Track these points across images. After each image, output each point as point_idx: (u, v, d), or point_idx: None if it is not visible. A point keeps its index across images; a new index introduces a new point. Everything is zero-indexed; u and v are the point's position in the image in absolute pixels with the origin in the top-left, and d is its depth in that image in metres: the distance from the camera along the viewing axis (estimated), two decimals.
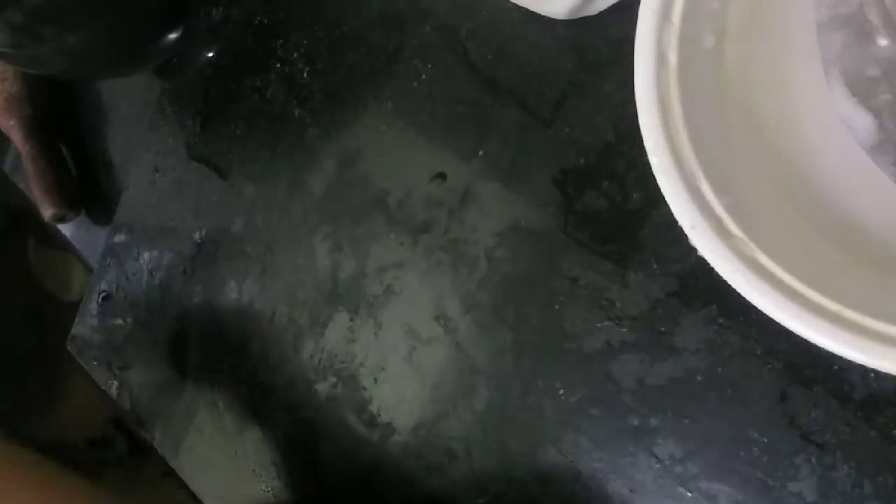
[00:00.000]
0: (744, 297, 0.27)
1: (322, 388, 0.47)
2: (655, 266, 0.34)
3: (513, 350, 0.39)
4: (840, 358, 0.25)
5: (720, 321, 0.32)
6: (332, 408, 0.46)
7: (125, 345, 0.61)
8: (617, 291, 0.35)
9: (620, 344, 0.35)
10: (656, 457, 0.34)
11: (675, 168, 0.29)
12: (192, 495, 0.54)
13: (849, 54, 0.27)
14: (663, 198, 0.29)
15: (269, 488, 0.50)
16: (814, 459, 0.30)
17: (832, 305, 0.26)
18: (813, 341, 0.26)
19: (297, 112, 0.50)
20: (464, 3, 0.42)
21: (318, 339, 0.47)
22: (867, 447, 0.29)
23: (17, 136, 0.69)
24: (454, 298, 0.41)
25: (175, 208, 0.58)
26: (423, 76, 0.44)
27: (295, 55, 0.51)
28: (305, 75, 0.50)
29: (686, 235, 0.29)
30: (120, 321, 0.62)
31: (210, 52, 0.57)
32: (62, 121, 0.71)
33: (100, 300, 0.63)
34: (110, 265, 0.63)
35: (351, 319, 0.45)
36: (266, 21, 0.53)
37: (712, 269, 0.28)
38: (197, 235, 0.56)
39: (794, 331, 0.26)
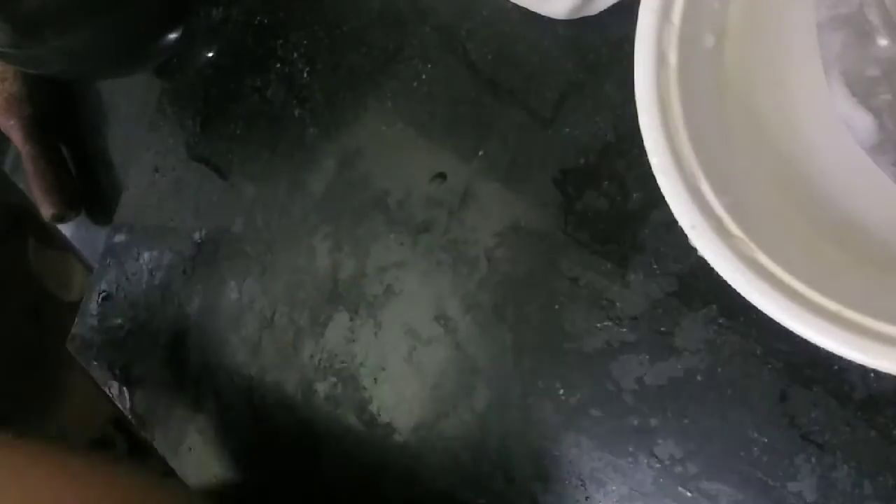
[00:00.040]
0: (744, 297, 0.27)
1: (322, 388, 0.47)
2: (655, 266, 0.34)
3: (513, 350, 0.39)
4: (840, 358, 0.25)
5: (720, 321, 0.32)
6: (332, 408, 0.46)
7: (125, 345, 0.61)
8: (617, 291, 0.35)
9: (620, 344, 0.35)
10: (656, 457, 0.34)
11: (675, 168, 0.29)
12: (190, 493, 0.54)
13: (849, 54, 0.27)
14: (663, 198, 0.29)
15: (270, 488, 0.50)
16: (814, 459, 0.30)
17: (832, 305, 0.26)
18: (813, 341, 0.26)
19: (297, 112, 0.50)
20: (464, 3, 0.42)
21: (318, 339, 0.47)
22: (867, 447, 0.29)
23: (17, 136, 0.69)
24: (454, 298, 0.41)
25: (175, 208, 0.58)
26: (423, 76, 0.44)
27: (295, 55, 0.51)
28: (305, 75, 0.50)
29: (686, 235, 0.29)
30: (120, 321, 0.62)
31: (210, 52, 0.57)
32: (62, 121, 0.71)
33: (100, 300, 0.63)
34: (110, 265, 0.63)
35: (351, 319, 0.45)
36: (266, 21, 0.53)
37: (712, 269, 0.28)
38: (197, 235, 0.56)
39: (794, 331, 0.26)
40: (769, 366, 0.31)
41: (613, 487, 0.35)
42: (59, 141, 0.71)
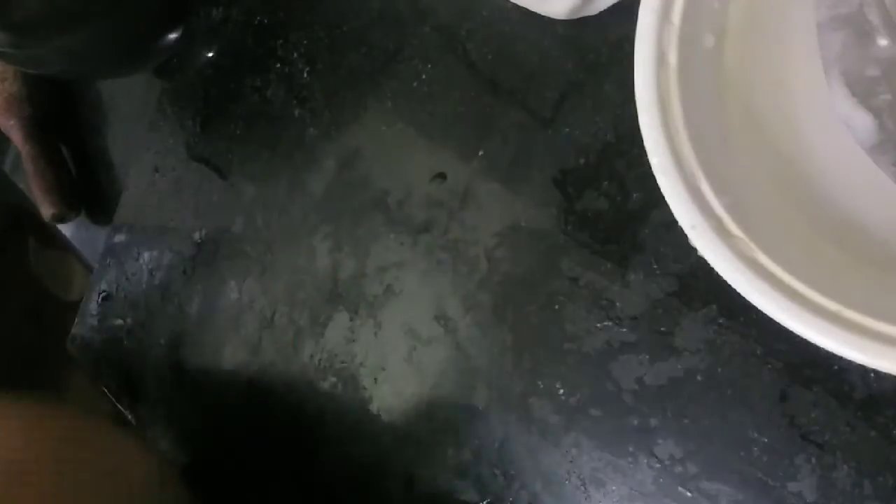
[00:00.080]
0: (744, 297, 0.27)
1: (322, 388, 0.47)
2: (655, 266, 0.34)
3: (513, 350, 0.39)
4: (840, 358, 0.25)
5: (720, 321, 0.32)
6: (332, 408, 0.46)
7: (125, 345, 0.61)
8: (617, 291, 0.35)
9: (620, 344, 0.35)
10: (656, 457, 0.34)
11: (675, 168, 0.29)
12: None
13: (849, 54, 0.27)
14: (663, 198, 0.29)
15: (270, 488, 0.50)
16: (814, 459, 0.30)
17: (832, 305, 0.26)
18: (813, 341, 0.26)
19: (297, 112, 0.50)
20: (464, 3, 0.42)
21: (318, 339, 0.47)
22: (867, 447, 0.29)
23: (17, 136, 0.69)
24: (454, 298, 0.41)
25: (175, 208, 0.58)
26: (423, 76, 0.44)
27: (295, 55, 0.51)
28: (305, 75, 0.50)
29: (686, 235, 0.29)
30: (120, 321, 0.62)
31: (210, 52, 0.57)
32: (62, 121, 0.71)
33: (100, 300, 0.63)
34: (110, 265, 0.63)
35: (351, 319, 0.45)
36: (266, 21, 0.53)
37: (712, 269, 0.28)
38: (197, 235, 0.56)
39: (794, 331, 0.26)
40: (769, 366, 0.31)
41: (613, 487, 0.35)
42: (59, 141, 0.71)
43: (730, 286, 0.28)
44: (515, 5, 0.39)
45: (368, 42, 0.46)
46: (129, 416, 0.61)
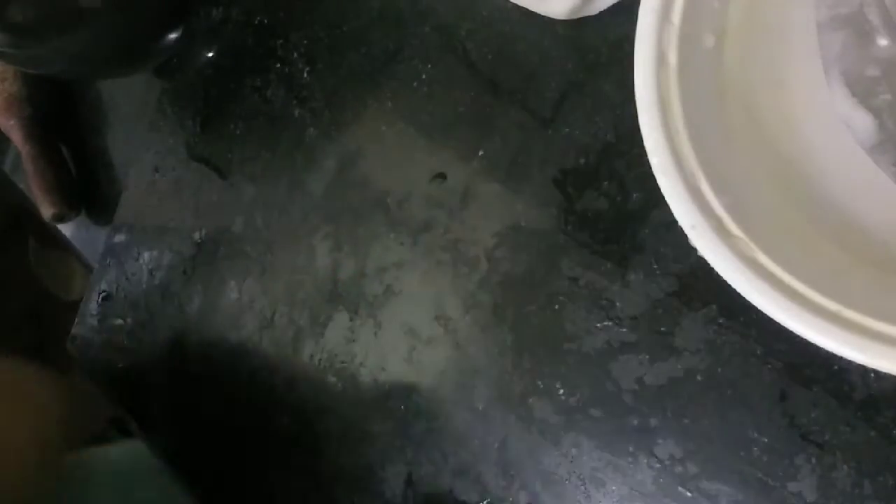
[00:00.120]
0: (744, 297, 0.27)
1: (322, 388, 0.47)
2: (655, 266, 0.34)
3: (513, 350, 0.39)
4: (840, 358, 0.25)
5: (720, 321, 0.32)
6: (333, 407, 0.46)
7: (125, 345, 0.61)
8: (617, 291, 0.35)
9: (620, 344, 0.35)
10: (656, 457, 0.34)
11: (675, 168, 0.29)
12: None
13: (849, 54, 0.27)
14: (663, 198, 0.29)
15: (270, 488, 0.50)
16: (814, 459, 0.30)
17: (832, 305, 0.26)
18: (813, 341, 0.26)
19: (297, 112, 0.50)
20: (464, 3, 0.42)
21: (318, 339, 0.47)
22: (867, 447, 0.29)
23: (17, 136, 0.69)
24: (454, 298, 0.41)
25: (175, 208, 0.58)
26: (423, 76, 0.44)
27: (295, 55, 0.51)
28: (305, 75, 0.50)
29: (686, 235, 0.29)
30: (120, 321, 0.62)
31: (210, 52, 0.57)
32: (62, 121, 0.71)
33: (100, 300, 0.63)
34: (110, 265, 0.63)
35: (351, 319, 0.45)
36: (266, 21, 0.53)
37: (712, 269, 0.28)
38: (197, 235, 0.56)
39: (794, 331, 0.26)
40: (769, 366, 0.31)
41: (613, 487, 0.35)
42: (59, 141, 0.71)
43: (730, 286, 0.28)
44: (515, 5, 0.39)
45: (368, 42, 0.46)
46: (129, 416, 0.61)
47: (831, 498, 0.30)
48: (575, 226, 0.37)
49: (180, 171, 0.58)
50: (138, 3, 0.56)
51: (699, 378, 0.33)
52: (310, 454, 0.47)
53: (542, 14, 0.38)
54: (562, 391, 0.37)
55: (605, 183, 0.36)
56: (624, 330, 0.35)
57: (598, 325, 0.36)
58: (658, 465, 0.34)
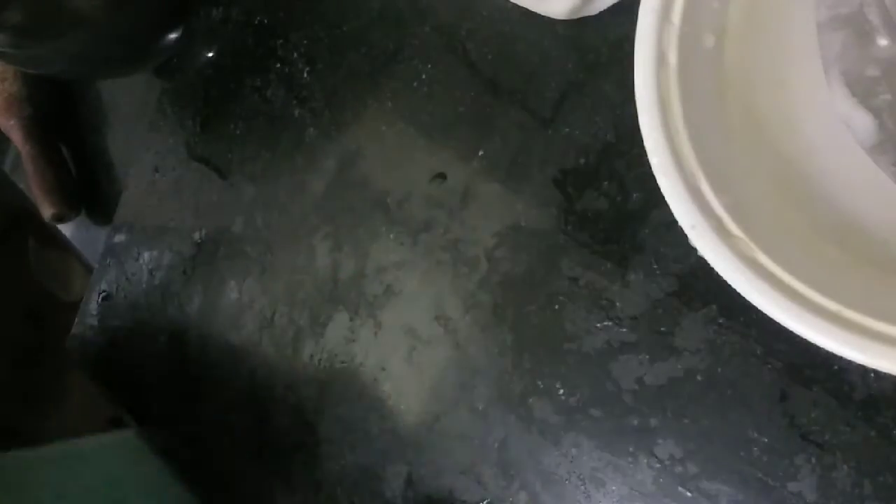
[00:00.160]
0: (744, 297, 0.27)
1: (322, 388, 0.47)
2: (655, 266, 0.34)
3: (513, 350, 0.39)
4: (840, 358, 0.25)
5: (720, 321, 0.32)
6: (332, 408, 0.46)
7: (125, 345, 0.61)
8: (617, 291, 0.35)
9: (620, 344, 0.35)
10: (656, 457, 0.34)
11: (675, 168, 0.29)
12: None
13: (849, 54, 0.27)
14: (663, 198, 0.29)
15: (270, 488, 0.50)
16: (814, 459, 0.30)
17: (832, 305, 0.26)
18: (813, 341, 0.26)
19: (297, 112, 0.50)
20: (464, 3, 0.42)
21: (318, 339, 0.47)
22: (867, 447, 0.29)
23: (17, 136, 0.69)
24: (454, 298, 0.41)
25: (175, 208, 0.58)
26: (423, 76, 0.44)
27: (295, 55, 0.51)
28: (305, 75, 0.50)
29: (686, 235, 0.29)
30: (120, 321, 0.62)
31: (210, 52, 0.57)
32: (62, 121, 0.71)
33: (100, 300, 0.63)
34: (110, 265, 0.63)
35: (351, 319, 0.45)
36: (266, 21, 0.53)
37: (712, 269, 0.28)
38: (197, 235, 0.56)
39: (794, 331, 0.26)
40: (769, 366, 0.31)
41: (613, 487, 0.35)
42: (59, 141, 0.71)
43: (730, 286, 0.28)
44: (515, 5, 0.39)
45: (368, 42, 0.46)
46: (129, 416, 0.61)
47: (831, 498, 0.30)
48: (575, 226, 0.37)
49: (180, 171, 0.58)
50: (138, 3, 0.56)
51: (699, 378, 0.33)
52: (310, 454, 0.47)
53: (542, 14, 0.38)
54: (562, 391, 0.37)
55: (605, 183, 0.36)
56: (624, 330, 0.35)
57: (598, 325, 0.36)
58: (658, 465, 0.34)
